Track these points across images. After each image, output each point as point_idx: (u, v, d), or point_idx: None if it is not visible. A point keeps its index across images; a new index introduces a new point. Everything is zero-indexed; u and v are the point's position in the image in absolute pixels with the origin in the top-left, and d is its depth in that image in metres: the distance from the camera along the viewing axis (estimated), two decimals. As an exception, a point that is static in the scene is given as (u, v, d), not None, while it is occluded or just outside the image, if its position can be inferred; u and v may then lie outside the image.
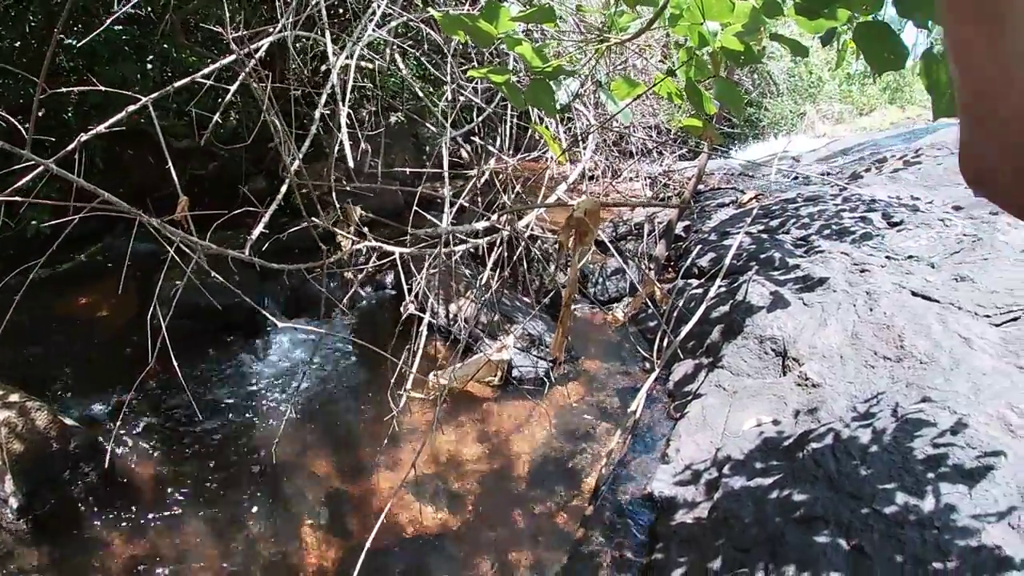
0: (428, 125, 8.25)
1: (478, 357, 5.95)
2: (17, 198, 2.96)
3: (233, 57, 3.83)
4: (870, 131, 15.27)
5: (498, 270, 5.48)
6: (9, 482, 4.82)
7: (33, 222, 6.10)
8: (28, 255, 6.67)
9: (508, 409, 6.04)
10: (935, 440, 4.06)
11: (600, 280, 7.70)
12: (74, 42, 6.81)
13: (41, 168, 2.92)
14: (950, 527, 3.47)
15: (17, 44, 6.55)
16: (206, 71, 3.97)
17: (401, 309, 4.26)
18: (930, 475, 3.85)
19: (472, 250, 5.55)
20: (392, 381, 4.85)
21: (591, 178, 9.00)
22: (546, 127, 5.96)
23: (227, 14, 4.08)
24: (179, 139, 7.83)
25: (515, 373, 6.26)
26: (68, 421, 5.27)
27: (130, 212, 2.72)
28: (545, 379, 6.31)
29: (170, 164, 3.43)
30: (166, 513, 4.92)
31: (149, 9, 7.43)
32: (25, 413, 5.01)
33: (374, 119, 8.85)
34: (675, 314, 6.70)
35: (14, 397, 5.02)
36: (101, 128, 3.47)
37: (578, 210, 2.72)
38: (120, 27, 7.23)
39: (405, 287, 3.94)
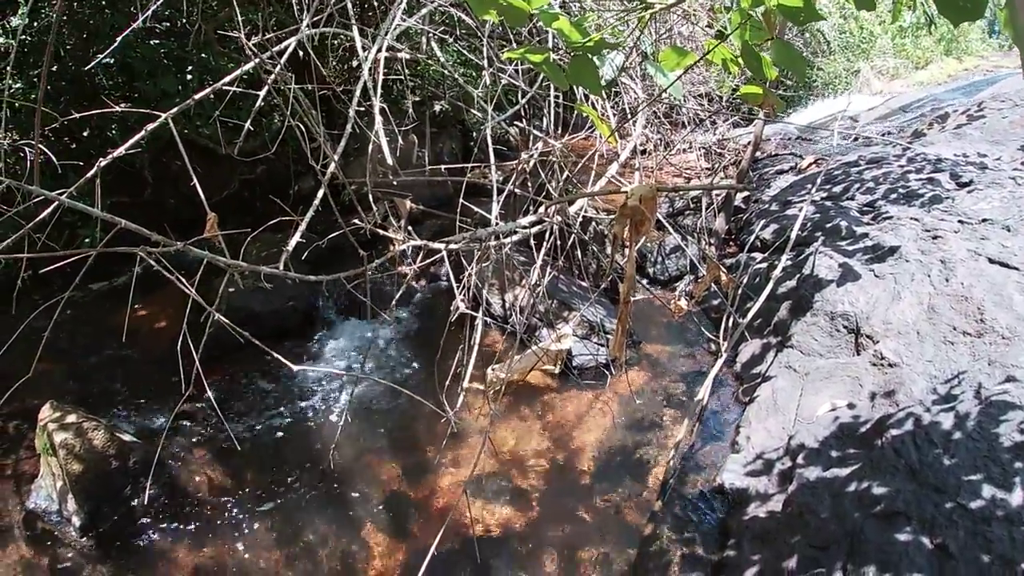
0: (473, 111, 7.97)
1: (537, 348, 5.70)
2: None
3: (255, 62, 3.60)
4: (928, 85, 14.61)
5: (552, 257, 5.22)
6: (71, 501, 4.73)
7: (87, 240, 6.02)
8: (85, 270, 6.75)
9: (569, 400, 5.77)
10: (1023, 425, 3.71)
11: (659, 259, 7.36)
12: (111, 60, 6.72)
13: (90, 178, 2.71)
14: (1041, 524, 3.15)
15: (54, 67, 6.47)
16: (228, 78, 3.73)
17: (452, 308, 4.01)
18: (1018, 464, 3.50)
19: (524, 238, 5.30)
20: (449, 378, 4.62)
21: (643, 152, 8.66)
22: (592, 106, 5.66)
23: (238, 18, 3.85)
24: (223, 147, 7.68)
25: (575, 362, 5.98)
26: (126, 437, 5.15)
27: (149, 240, 2.50)
28: (606, 367, 6.03)
29: (195, 182, 3.17)
30: (227, 523, 4.79)
31: (184, 21, 7.30)
32: (82, 434, 4.90)
33: (419, 109, 8.65)
34: (739, 292, 6.37)
35: (71, 418, 4.91)
36: (120, 151, 3.26)
37: (632, 197, 2.43)
38: (157, 41, 7.13)
39: (455, 284, 3.68)
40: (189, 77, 7.04)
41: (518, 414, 5.60)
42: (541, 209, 3.44)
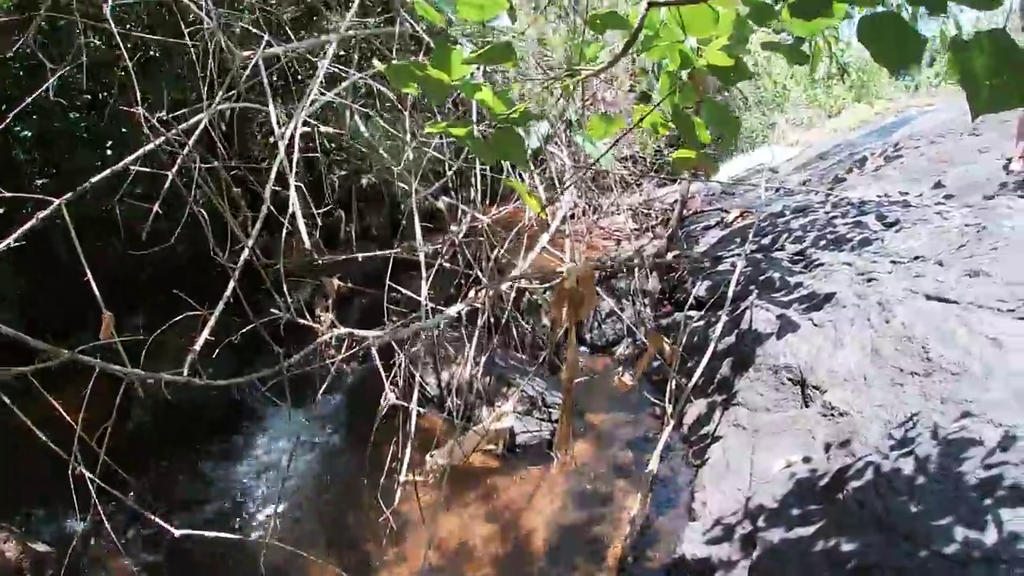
0: (400, 184, 7.77)
1: (477, 429, 5.40)
2: None
3: (160, 141, 3.33)
4: (842, 132, 14.93)
5: (487, 332, 4.96)
6: None
7: None
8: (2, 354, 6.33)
9: (514, 481, 5.44)
10: (985, 461, 3.54)
11: (595, 325, 7.13)
12: (29, 133, 6.40)
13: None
14: (1020, 558, 2.96)
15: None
16: (131, 157, 3.47)
17: (382, 400, 3.70)
18: (987, 501, 3.32)
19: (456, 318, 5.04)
20: (385, 469, 4.29)
21: (572, 217, 8.52)
22: (519, 177, 5.49)
23: (138, 94, 3.57)
24: (144, 222, 7.31)
25: (518, 440, 5.68)
26: (40, 547, 4.67)
27: (48, 351, 2.20)
28: (550, 444, 5.72)
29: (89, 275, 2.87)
30: None
31: (105, 95, 7.01)
32: None
33: (345, 184, 8.46)
34: (679, 352, 6.17)
35: None
36: (9, 241, 2.95)
37: (569, 279, 2.21)
38: (77, 115, 6.82)
39: (383, 374, 3.41)
40: (109, 152, 6.71)
41: (462, 500, 5.24)
42: (471, 294, 3.20)
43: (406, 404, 3.55)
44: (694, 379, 5.67)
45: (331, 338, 7.04)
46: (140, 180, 6.96)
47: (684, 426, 5.80)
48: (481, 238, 4.88)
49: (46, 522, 5.02)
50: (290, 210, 3.14)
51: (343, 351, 3.37)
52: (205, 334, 2.88)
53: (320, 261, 5.67)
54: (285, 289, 5.73)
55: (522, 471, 5.54)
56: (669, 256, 7.53)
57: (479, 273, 4.78)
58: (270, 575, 4.70)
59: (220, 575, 4.78)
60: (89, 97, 7.03)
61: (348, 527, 5.20)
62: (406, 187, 6.84)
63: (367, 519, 5.19)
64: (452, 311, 3.16)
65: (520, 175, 5.37)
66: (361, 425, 6.15)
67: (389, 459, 4.31)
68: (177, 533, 2.45)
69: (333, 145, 8.22)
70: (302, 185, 3.60)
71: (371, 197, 9.12)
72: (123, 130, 7.00)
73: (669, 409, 5.51)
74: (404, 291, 4.67)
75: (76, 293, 6.71)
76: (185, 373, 2.63)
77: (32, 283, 6.11)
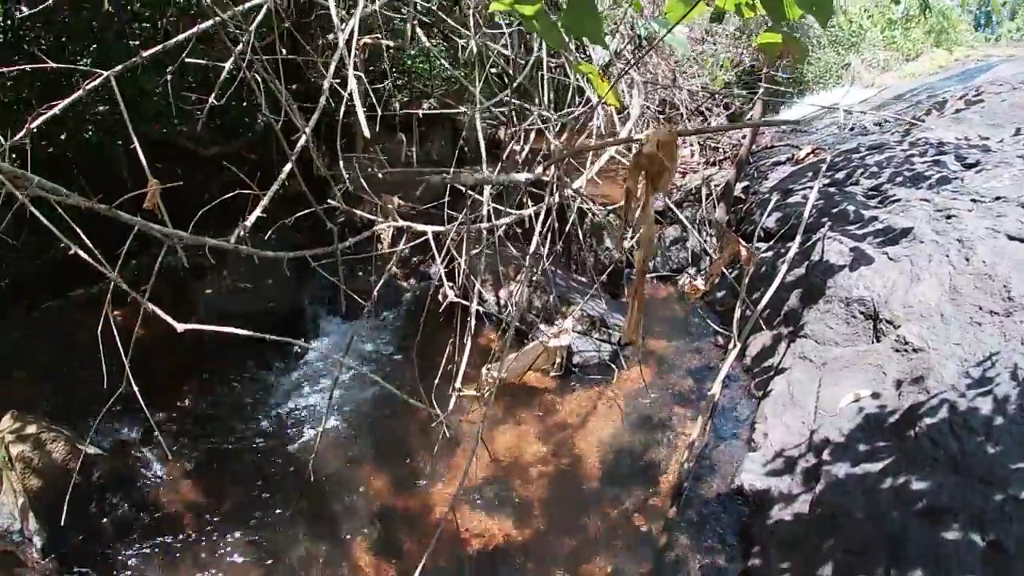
0: (462, 108, 7.56)
1: (534, 345, 5.21)
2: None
3: (210, 23, 3.13)
4: (920, 76, 14.22)
5: (548, 244, 4.73)
6: (31, 520, 4.22)
7: (61, 244, 5.60)
8: (66, 277, 6.19)
9: (571, 400, 5.29)
10: (1069, 403, 3.33)
11: (658, 252, 6.87)
12: (87, 62, 6.31)
13: None
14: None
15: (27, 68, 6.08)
16: (180, 36, 3.27)
17: (440, 297, 3.52)
18: (1071, 445, 3.14)
19: (518, 227, 4.79)
20: (438, 380, 4.15)
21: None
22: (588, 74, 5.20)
23: None
24: (207, 147, 7.30)
25: (576, 360, 5.50)
26: (90, 450, 4.63)
27: (89, 203, 2.03)
28: (611, 364, 5.55)
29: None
30: (203, 541, 4.27)
31: (164, 20, 6.88)
32: (41, 446, 4.40)
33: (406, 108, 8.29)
34: (746, 282, 5.91)
35: (30, 429, 4.43)
36: (48, 115, 2.79)
37: (648, 144, 1.98)
38: (136, 41, 6.71)
39: (442, 272, 3.23)
40: (170, 76, 6.61)
41: (515, 417, 5.12)
42: (539, 169, 2.97)
43: (465, 302, 3.36)
44: (760, 307, 5.42)
45: (389, 228, 6.94)
46: (194, 75, 6.96)
47: (747, 357, 5.57)
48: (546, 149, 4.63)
49: (102, 430, 4.98)
50: (346, 96, 2.91)
51: (402, 242, 3.17)
52: (258, 211, 2.67)
53: (380, 175, 5.52)
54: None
55: (579, 391, 5.38)
56: (737, 187, 7.21)
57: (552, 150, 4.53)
58: (319, 482, 4.68)
59: (272, 479, 4.72)
60: (147, 24, 6.91)
61: (399, 437, 5.10)
62: (468, 107, 6.64)
63: (419, 430, 5.12)
64: (519, 177, 2.93)
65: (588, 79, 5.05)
66: (418, 339, 6.03)
67: (443, 369, 4.19)
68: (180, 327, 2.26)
69: (395, 70, 8.07)
70: (363, 76, 3.38)
71: (432, 122, 8.91)
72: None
73: (734, 338, 5.27)
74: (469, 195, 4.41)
75: (140, 215, 6.71)
76: (233, 241, 2.42)
77: (86, 213, 6.04)
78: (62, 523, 4.24)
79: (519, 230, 4.13)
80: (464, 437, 4.96)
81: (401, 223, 2.96)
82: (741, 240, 3.54)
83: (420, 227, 2.99)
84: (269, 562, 4.13)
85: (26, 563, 4.14)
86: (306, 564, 4.13)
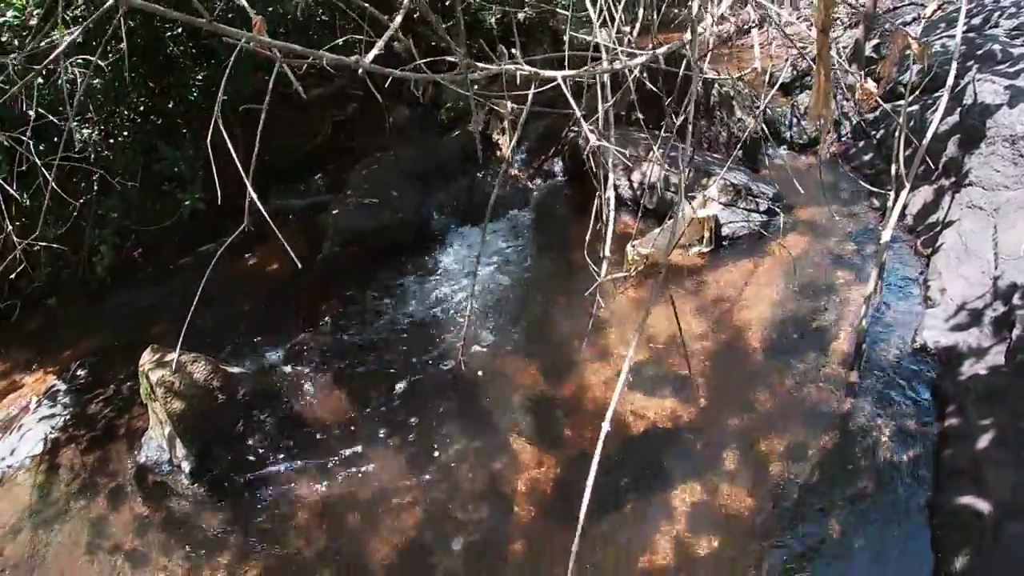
0: (559, 10, 7.19)
1: (679, 218, 4.82)
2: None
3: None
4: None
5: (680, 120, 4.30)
6: (179, 445, 4.17)
7: (187, 203, 5.64)
8: (195, 234, 6.15)
9: (724, 274, 4.93)
10: None
11: (793, 121, 6.36)
12: (179, 31, 6.29)
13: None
14: None
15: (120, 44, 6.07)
16: None
17: (580, 141, 3.18)
18: None
19: (642, 112, 4.39)
20: (578, 267, 3.86)
21: (746, 32, 7.64)
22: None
23: None
24: (307, 91, 7.14)
25: (725, 232, 5.11)
26: (232, 369, 4.58)
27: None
28: (762, 233, 5.14)
29: None
30: (352, 451, 4.15)
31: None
32: (181, 368, 4.29)
33: (502, 23, 7.97)
34: (899, 134, 5.37)
35: (170, 356, 4.32)
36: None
37: None
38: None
39: (580, 114, 2.89)
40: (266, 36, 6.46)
41: (666, 296, 4.74)
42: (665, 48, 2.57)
43: (606, 143, 3.02)
44: (918, 158, 4.90)
45: (504, 134, 6.68)
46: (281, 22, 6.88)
47: (907, 216, 5.07)
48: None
49: (246, 355, 4.93)
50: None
51: (534, 86, 2.84)
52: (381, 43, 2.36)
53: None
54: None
55: (731, 264, 5.00)
56: (867, 47, 6.56)
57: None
58: (468, 379, 4.46)
59: (418, 383, 4.52)
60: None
61: (544, 328, 4.87)
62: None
63: (563, 319, 4.87)
64: (661, 50, 2.55)
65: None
66: (548, 234, 5.76)
67: (583, 261, 3.86)
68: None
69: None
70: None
71: (530, 30, 8.49)
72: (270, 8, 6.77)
73: (893, 194, 4.77)
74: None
75: (255, 170, 6.65)
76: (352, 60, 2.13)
77: (208, 165, 6.02)
78: (209, 444, 4.24)
79: (641, 116, 3.72)
80: (612, 321, 4.67)
81: (527, 68, 2.63)
82: (909, 33, 3.08)
83: (548, 73, 2.64)
84: (423, 463, 3.99)
85: (177, 491, 4.11)
86: (461, 461, 3.97)
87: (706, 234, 4.87)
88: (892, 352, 4.09)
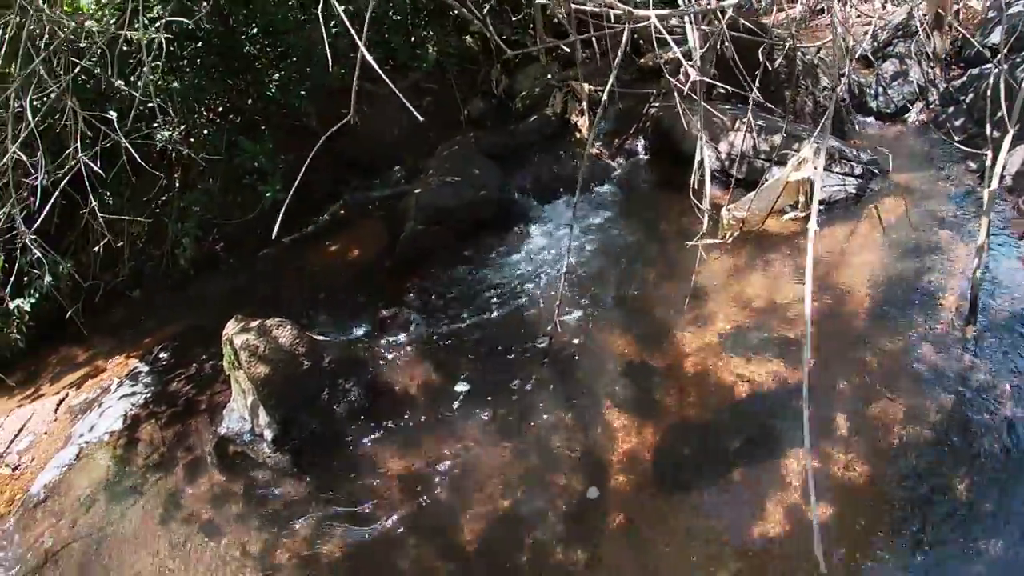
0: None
1: (773, 181, 4.66)
2: None
3: None
4: None
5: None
6: (261, 413, 4.07)
7: (267, 195, 5.73)
8: (273, 226, 6.27)
9: (823, 238, 4.71)
10: None
11: (878, 91, 6.10)
12: (254, 28, 6.42)
13: None
14: None
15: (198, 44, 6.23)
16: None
17: (681, 76, 3.06)
18: None
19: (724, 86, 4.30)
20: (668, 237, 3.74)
21: (823, 11, 7.42)
22: None
23: None
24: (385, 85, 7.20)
25: (821, 196, 4.87)
26: (317, 336, 4.52)
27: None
28: (859, 196, 4.96)
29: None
30: (441, 421, 4.04)
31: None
32: (266, 333, 4.19)
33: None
34: (981, 103, 5.20)
35: (254, 323, 4.26)
36: None
37: None
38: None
39: (678, 52, 2.79)
40: (335, 30, 6.63)
41: (764, 261, 4.61)
42: None
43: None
44: (1014, 122, 4.71)
45: (583, 115, 6.59)
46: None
47: (1005, 177, 4.86)
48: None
49: (333, 330, 4.88)
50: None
51: (628, 23, 2.74)
52: None
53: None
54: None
55: (829, 228, 4.80)
56: (947, 14, 6.35)
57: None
58: (561, 350, 4.31)
59: (508, 353, 4.42)
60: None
61: (636, 297, 4.70)
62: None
63: (655, 289, 4.72)
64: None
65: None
66: (636, 209, 5.60)
67: (672, 230, 3.78)
68: None
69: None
70: None
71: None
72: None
73: (988, 156, 4.58)
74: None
75: (334, 160, 6.77)
76: None
77: (289, 160, 6.14)
78: (294, 412, 4.14)
79: (725, 89, 3.61)
80: (708, 288, 4.49)
81: (622, 7, 2.55)
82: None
83: (642, 12, 2.56)
84: (514, 433, 3.86)
85: (257, 461, 4.04)
86: (554, 430, 3.82)
87: (801, 198, 4.68)
88: (1005, 308, 3.85)
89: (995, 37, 5.85)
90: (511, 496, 3.53)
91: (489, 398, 4.11)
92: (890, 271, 4.32)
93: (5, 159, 3.96)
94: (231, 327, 4.23)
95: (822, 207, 4.85)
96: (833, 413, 3.56)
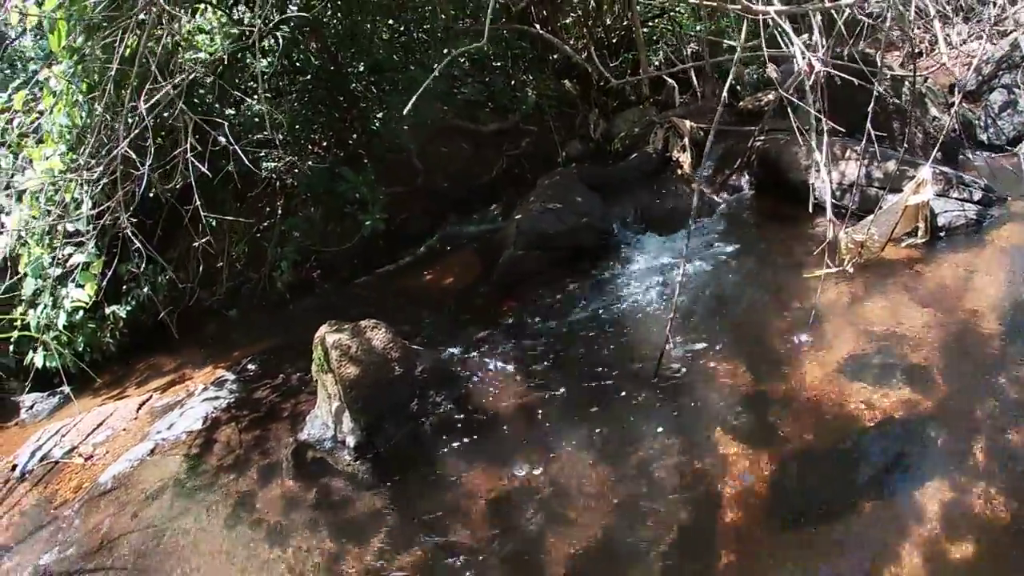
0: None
1: (892, 204, 4.51)
2: None
3: None
4: None
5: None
6: (346, 418, 3.90)
7: (367, 223, 5.84)
8: (373, 255, 6.36)
9: (945, 264, 4.42)
10: None
11: (988, 123, 5.97)
12: (360, 66, 6.78)
13: None
14: None
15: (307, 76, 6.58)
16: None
17: (806, 68, 2.97)
18: None
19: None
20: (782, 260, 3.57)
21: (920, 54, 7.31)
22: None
23: None
24: (487, 124, 7.43)
25: (941, 222, 4.63)
26: (412, 346, 4.36)
27: None
28: (980, 221, 4.71)
29: None
30: (536, 440, 3.79)
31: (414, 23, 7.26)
32: (359, 334, 4.05)
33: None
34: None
35: (347, 325, 4.17)
36: None
37: None
38: (396, 41, 7.14)
39: (799, 47, 2.69)
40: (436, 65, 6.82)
41: (884, 288, 4.29)
42: None
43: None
44: None
45: (686, 151, 6.53)
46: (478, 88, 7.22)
47: None
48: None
49: (428, 346, 4.73)
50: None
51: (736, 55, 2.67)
52: None
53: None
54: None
55: (951, 254, 4.51)
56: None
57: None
58: (670, 375, 4.06)
59: (611, 380, 4.19)
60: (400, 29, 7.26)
61: (751, 326, 4.42)
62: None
63: (772, 317, 4.43)
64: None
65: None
66: (744, 241, 5.41)
67: (783, 261, 3.61)
68: None
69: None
70: None
71: (697, 69, 8.47)
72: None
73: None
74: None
75: (433, 195, 6.96)
76: None
77: (393, 193, 6.27)
78: (380, 418, 3.96)
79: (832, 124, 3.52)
80: (827, 315, 4.20)
81: (735, 7, 2.50)
82: None
83: (760, 7, 2.51)
84: (615, 460, 3.56)
85: (336, 468, 3.88)
86: (659, 458, 3.49)
87: (921, 224, 4.45)
88: None
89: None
90: (607, 526, 3.20)
91: (588, 422, 3.84)
92: (1018, 297, 4.08)
93: (115, 152, 4.06)
94: (324, 329, 4.12)
95: (943, 234, 4.66)
96: (969, 440, 3.16)
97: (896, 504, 3.00)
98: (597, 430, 3.78)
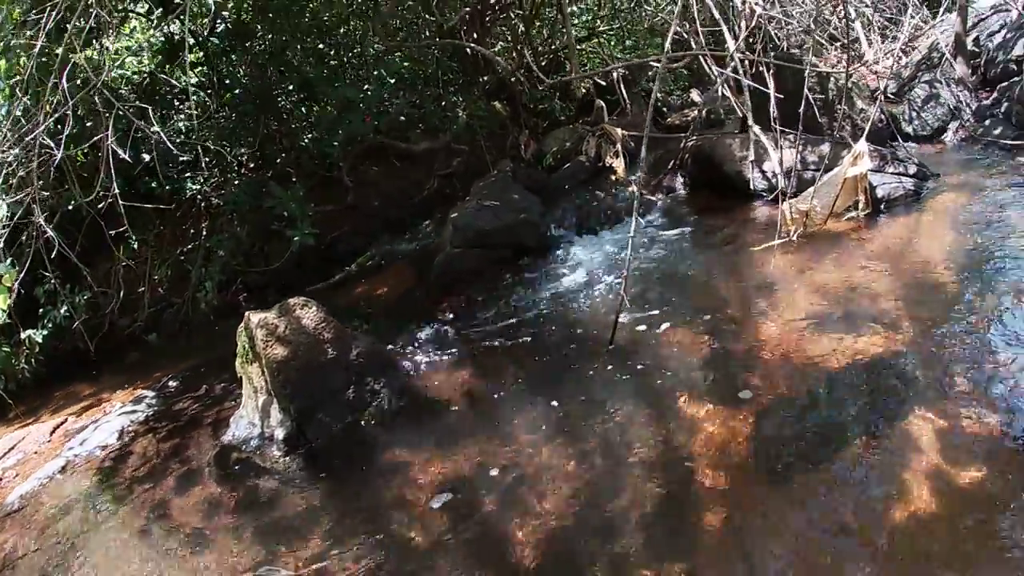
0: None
1: (832, 175, 4.48)
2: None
3: None
4: None
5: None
6: (274, 410, 3.52)
7: (296, 238, 5.53)
8: (303, 275, 5.94)
9: (890, 230, 4.46)
10: None
11: (913, 116, 6.12)
12: (289, 84, 6.61)
13: None
14: None
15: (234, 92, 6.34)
16: None
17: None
18: None
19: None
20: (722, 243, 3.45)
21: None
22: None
23: None
24: (418, 144, 7.25)
25: (880, 194, 4.64)
26: (348, 328, 3.99)
27: None
28: (918, 193, 4.75)
29: None
30: (488, 423, 3.53)
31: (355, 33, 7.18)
32: (287, 312, 3.66)
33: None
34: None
35: (274, 303, 3.78)
36: None
37: None
38: (326, 58, 6.92)
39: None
40: (368, 86, 6.68)
41: (832, 255, 4.27)
42: None
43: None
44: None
45: (619, 158, 6.48)
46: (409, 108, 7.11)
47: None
48: None
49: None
50: None
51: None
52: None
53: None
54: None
55: (894, 222, 4.54)
56: (968, 40, 6.38)
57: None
58: (625, 347, 3.86)
59: (553, 361, 3.98)
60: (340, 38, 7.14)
61: (700, 299, 4.28)
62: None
63: (719, 289, 4.34)
64: None
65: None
66: (685, 229, 5.45)
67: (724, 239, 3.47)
68: None
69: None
70: None
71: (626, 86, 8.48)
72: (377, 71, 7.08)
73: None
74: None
75: (363, 214, 6.75)
76: None
77: (322, 211, 6.04)
78: (313, 407, 3.63)
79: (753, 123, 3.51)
80: (777, 281, 4.14)
81: None
82: None
83: None
84: (576, 433, 3.28)
85: (264, 466, 3.52)
86: (624, 428, 3.23)
87: (861, 197, 4.37)
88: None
89: (1018, 50, 5.94)
90: (577, 504, 2.86)
91: (543, 399, 3.55)
92: (965, 250, 3.98)
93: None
94: (251, 314, 3.73)
95: (883, 206, 4.64)
96: (949, 373, 3.04)
97: (887, 439, 2.80)
98: (554, 408, 3.50)
